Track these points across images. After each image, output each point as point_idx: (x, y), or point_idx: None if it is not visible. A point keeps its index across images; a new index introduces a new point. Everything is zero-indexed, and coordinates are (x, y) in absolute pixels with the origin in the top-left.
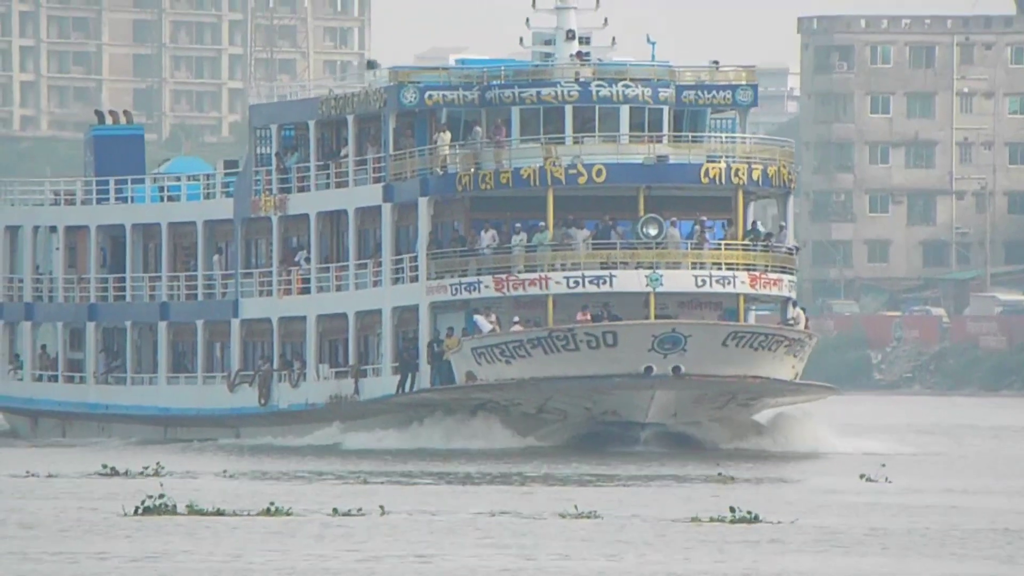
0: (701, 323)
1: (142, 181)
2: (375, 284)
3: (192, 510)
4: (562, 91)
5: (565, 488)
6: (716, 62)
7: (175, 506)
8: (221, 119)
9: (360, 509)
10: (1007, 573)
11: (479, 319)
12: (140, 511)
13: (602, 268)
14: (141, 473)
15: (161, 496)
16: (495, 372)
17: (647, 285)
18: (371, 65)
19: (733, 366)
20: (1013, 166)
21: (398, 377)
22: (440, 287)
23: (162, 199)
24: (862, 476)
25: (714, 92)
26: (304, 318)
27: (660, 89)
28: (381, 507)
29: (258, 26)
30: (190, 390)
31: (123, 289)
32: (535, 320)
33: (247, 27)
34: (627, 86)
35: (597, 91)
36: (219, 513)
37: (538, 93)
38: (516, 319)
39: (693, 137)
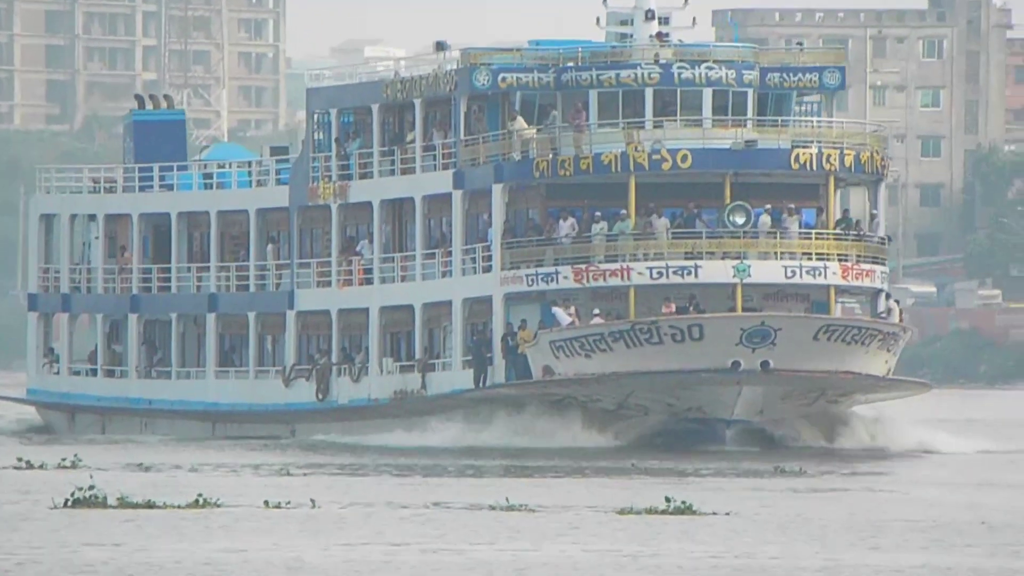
0: (792, 316)
1: (187, 168)
2: (444, 275)
3: (123, 503)
4: (642, 73)
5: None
6: (800, 43)
7: (105, 498)
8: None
9: (289, 502)
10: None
11: (558, 311)
12: (70, 503)
13: (686, 258)
14: (58, 466)
15: (91, 488)
16: (574, 366)
17: (734, 276)
18: (440, 47)
19: (824, 361)
20: (925, 159)
21: (470, 372)
22: (515, 278)
23: (208, 186)
24: (776, 468)
25: (800, 74)
26: (366, 310)
27: (744, 71)
28: (312, 500)
29: (172, 17)
30: (241, 384)
31: (167, 280)
32: (616, 312)
33: (161, 18)
34: (710, 68)
35: (679, 73)
36: (150, 505)
37: (617, 75)
38: (596, 311)
39: (779, 121)
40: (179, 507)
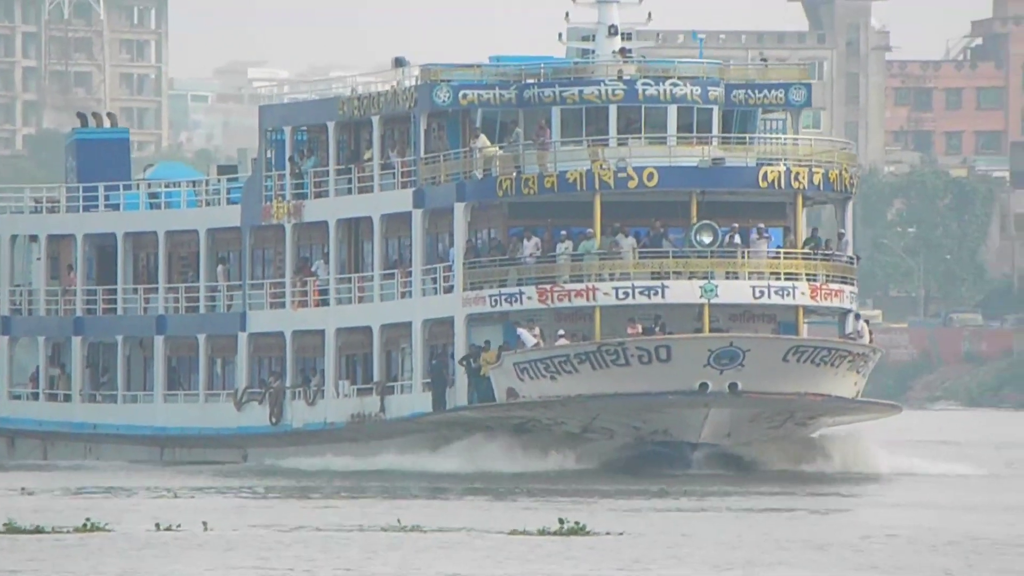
0: (760, 337)
1: (132, 187)
2: (403, 295)
3: (10, 528)
4: (606, 90)
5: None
6: (765, 59)
7: None
8: (15, 132)
9: (180, 525)
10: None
11: (523, 332)
12: None
13: (653, 278)
14: None
15: None
16: (539, 388)
17: (701, 296)
18: (399, 63)
19: (793, 383)
20: None
21: (430, 395)
22: (478, 298)
23: (154, 206)
24: (661, 490)
25: (765, 91)
26: (322, 332)
27: (709, 88)
28: (204, 523)
29: (53, 38)
30: (191, 408)
31: (113, 301)
32: (581, 333)
33: (41, 39)
34: (675, 84)
35: (643, 90)
36: (38, 531)
37: (580, 92)
38: (561, 332)
39: (744, 139)
40: (67, 531)
